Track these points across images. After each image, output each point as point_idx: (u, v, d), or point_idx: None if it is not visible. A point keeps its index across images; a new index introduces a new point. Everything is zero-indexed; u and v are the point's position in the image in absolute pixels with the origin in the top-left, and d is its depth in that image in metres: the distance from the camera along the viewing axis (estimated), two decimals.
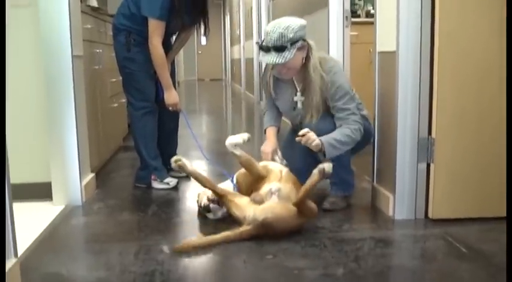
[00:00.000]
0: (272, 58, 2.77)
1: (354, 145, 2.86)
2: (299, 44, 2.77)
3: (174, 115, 3.71)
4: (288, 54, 2.75)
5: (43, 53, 3.02)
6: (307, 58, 2.85)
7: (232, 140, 2.79)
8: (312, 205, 2.58)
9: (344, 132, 2.78)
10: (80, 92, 3.22)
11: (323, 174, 2.47)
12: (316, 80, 2.83)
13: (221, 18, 19.85)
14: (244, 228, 2.50)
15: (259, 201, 2.56)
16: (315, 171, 2.49)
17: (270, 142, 3.06)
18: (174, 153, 3.86)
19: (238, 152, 2.78)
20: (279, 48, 2.75)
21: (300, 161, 2.97)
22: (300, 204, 2.51)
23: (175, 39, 3.75)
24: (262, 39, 2.87)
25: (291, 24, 2.75)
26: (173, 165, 2.77)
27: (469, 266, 2.20)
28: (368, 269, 2.19)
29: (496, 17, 2.57)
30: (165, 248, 2.43)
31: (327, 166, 2.47)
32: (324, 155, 2.72)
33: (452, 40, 2.60)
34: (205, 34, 3.66)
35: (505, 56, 2.55)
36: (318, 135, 2.71)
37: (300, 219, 2.56)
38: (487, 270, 2.16)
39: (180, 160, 2.72)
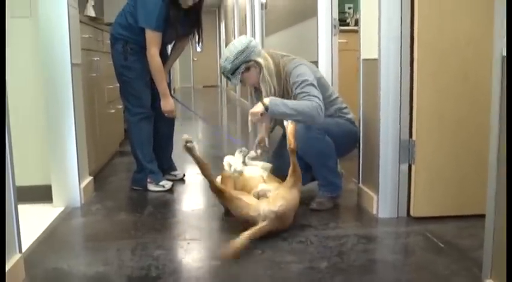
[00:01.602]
0: (229, 83, 3.18)
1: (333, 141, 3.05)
2: (242, 68, 3.07)
3: (169, 121, 3.86)
4: (234, 80, 3.13)
5: (43, 61, 3.16)
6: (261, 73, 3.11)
7: (230, 160, 3.08)
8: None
9: (297, 101, 2.94)
10: (78, 98, 3.36)
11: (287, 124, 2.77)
12: (265, 88, 3.08)
13: (216, 25, 20.00)
14: (261, 224, 2.55)
15: (264, 194, 2.68)
16: (285, 123, 2.82)
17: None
18: (170, 157, 4.01)
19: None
20: (228, 77, 3.11)
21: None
22: (293, 153, 2.71)
23: (172, 49, 3.90)
24: None
25: (228, 55, 3.06)
26: (183, 143, 2.72)
27: (445, 260, 2.35)
28: (350, 262, 2.34)
29: (473, 24, 2.73)
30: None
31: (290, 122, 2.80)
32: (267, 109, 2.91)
33: (431, 48, 2.76)
34: (199, 44, 3.81)
35: (481, 61, 2.71)
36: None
37: (297, 190, 2.75)
38: (462, 263, 2.30)
39: (191, 142, 2.70)
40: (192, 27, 3.72)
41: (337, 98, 3.21)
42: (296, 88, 2.98)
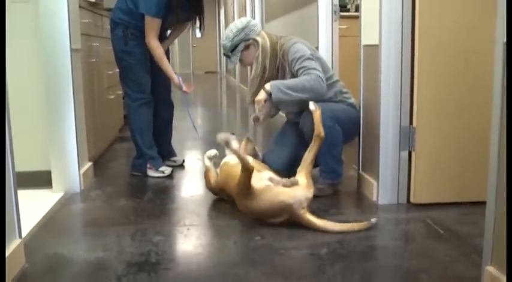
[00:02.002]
0: (229, 64, 3.24)
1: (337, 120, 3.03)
2: (241, 46, 3.13)
3: (169, 106, 3.85)
4: (234, 59, 3.19)
5: (43, 46, 3.14)
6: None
7: (209, 152, 3.16)
8: None
9: (296, 79, 3.00)
10: (78, 84, 3.35)
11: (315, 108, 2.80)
12: (255, 67, 3.15)
13: (216, 11, 19.90)
14: (308, 214, 2.55)
15: (296, 182, 2.62)
16: (312, 108, 2.80)
17: None
18: (169, 143, 4.01)
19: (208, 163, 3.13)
20: (228, 56, 3.19)
21: (292, 151, 3.22)
22: (321, 141, 2.75)
23: (171, 32, 3.87)
24: None
25: (229, 33, 3.13)
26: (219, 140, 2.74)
27: (445, 246, 2.35)
28: (350, 248, 2.34)
29: (474, 12, 2.72)
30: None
31: (312, 104, 2.81)
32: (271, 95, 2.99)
33: (432, 34, 2.74)
34: (201, 31, 3.79)
35: (481, 48, 2.70)
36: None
37: None
38: (461, 249, 2.31)
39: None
40: (193, 13, 3.70)
41: (337, 81, 3.21)
42: (295, 65, 3.02)
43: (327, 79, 3.10)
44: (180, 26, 3.82)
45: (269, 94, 2.98)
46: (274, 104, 3.14)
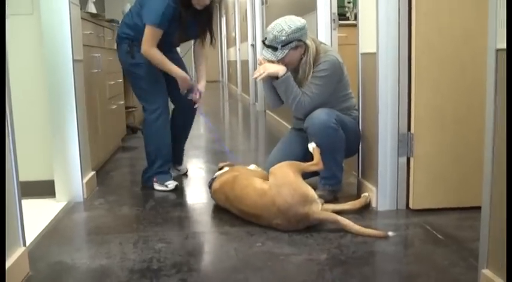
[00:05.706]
0: (267, 54, 3.13)
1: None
2: (293, 44, 3.08)
3: (188, 113, 3.86)
4: (279, 54, 3.08)
5: (45, 57, 3.19)
6: (305, 55, 3.15)
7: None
8: None
9: (294, 91, 3.12)
10: (80, 94, 3.39)
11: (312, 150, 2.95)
12: (303, 76, 3.15)
13: (217, 20, 19.98)
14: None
15: None
16: (310, 150, 2.96)
17: None
18: (182, 147, 4.02)
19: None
20: (273, 48, 3.08)
21: (298, 150, 3.33)
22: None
23: (195, 58, 3.94)
24: (265, 35, 3.19)
25: (285, 28, 3.05)
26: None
27: (443, 251, 2.38)
28: (350, 254, 2.37)
29: (469, 19, 2.76)
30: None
31: (311, 146, 2.96)
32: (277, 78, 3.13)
33: (428, 42, 2.78)
34: (211, 43, 3.78)
35: (477, 55, 2.73)
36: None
37: None
38: (460, 253, 2.34)
39: None
40: (203, 28, 3.68)
41: (352, 98, 3.29)
42: (313, 75, 3.12)
43: (342, 96, 3.22)
44: (196, 47, 3.84)
45: (276, 77, 3.11)
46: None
